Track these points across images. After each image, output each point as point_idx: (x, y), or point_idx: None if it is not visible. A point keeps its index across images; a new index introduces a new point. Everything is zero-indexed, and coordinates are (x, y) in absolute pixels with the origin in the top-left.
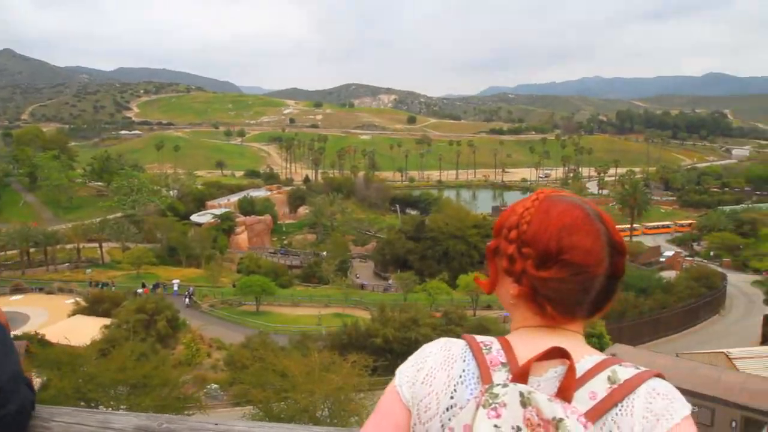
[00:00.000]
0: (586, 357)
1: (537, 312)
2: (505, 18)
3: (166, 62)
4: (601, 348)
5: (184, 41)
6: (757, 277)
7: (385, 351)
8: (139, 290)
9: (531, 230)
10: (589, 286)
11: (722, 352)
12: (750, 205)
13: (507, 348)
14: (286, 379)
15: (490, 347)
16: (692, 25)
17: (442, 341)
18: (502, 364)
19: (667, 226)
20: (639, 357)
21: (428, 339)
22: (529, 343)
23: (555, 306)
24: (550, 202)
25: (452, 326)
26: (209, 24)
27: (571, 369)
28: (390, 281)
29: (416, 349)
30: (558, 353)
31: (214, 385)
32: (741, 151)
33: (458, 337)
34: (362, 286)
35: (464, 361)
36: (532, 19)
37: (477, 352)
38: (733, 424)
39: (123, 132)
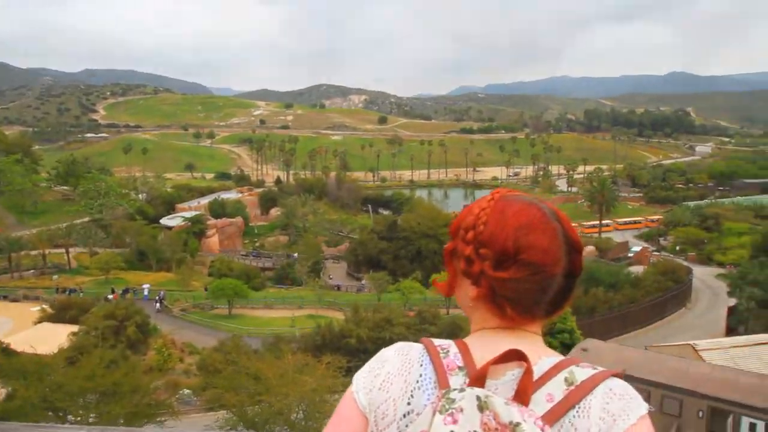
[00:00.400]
0: (543, 358)
1: (496, 313)
2: (475, 18)
3: (133, 63)
4: (572, 343)
5: (152, 42)
6: (721, 270)
7: (360, 351)
8: (109, 296)
9: (487, 231)
10: (547, 286)
11: (689, 344)
12: (713, 201)
13: (464, 351)
14: (260, 382)
15: (448, 351)
16: (656, 25)
17: (399, 345)
18: (459, 368)
19: (638, 222)
20: (609, 351)
21: (402, 338)
22: (486, 345)
23: (514, 306)
24: (506, 202)
25: (426, 325)
26: (178, 24)
27: (527, 371)
28: (363, 281)
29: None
30: (515, 356)
31: (187, 391)
32: (704, 148)
33: (417, 340)
34: (338, 287)
35: (421, 365)
36: (502, 19)
37: (434, 356)
38: (700, 414)
39: (89, 135)
